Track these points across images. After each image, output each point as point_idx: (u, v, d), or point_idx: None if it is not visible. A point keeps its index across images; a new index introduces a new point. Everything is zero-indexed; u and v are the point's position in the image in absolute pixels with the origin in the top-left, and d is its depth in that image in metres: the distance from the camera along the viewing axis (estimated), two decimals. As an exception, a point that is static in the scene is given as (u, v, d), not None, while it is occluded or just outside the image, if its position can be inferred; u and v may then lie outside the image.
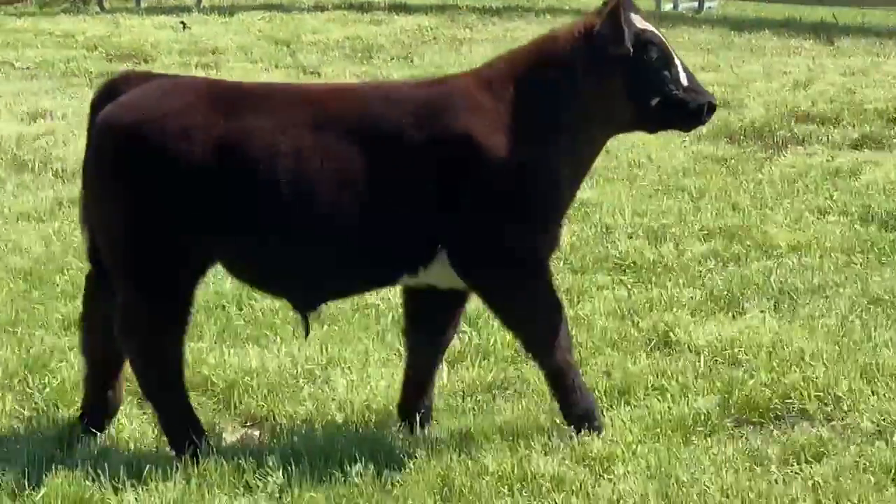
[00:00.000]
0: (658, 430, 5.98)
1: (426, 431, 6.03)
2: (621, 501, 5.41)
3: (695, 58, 14.30)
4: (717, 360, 6.77)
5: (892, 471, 5.57)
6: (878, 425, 5.99)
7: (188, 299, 5.81)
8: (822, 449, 5.79)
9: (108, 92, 5.95)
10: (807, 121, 12.07)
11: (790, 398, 6.26)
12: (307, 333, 6.07)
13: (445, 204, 5.72)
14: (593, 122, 5.88)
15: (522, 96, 5.83)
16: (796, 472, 5.62)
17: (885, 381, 6.40)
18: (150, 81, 5.96)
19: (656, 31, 5.93)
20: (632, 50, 5.77)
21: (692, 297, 7.71)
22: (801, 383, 6.34)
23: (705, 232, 8.87)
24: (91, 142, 5.90)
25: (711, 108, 5.93)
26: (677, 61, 5.90)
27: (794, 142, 11.48)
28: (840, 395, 6.26)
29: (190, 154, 5.65)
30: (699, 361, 6.72)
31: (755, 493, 5.41)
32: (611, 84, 5.84)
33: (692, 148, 11.10)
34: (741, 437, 6.00)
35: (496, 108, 5.79)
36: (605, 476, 5.60)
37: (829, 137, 11.56)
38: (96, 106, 5.93)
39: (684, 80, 5.88)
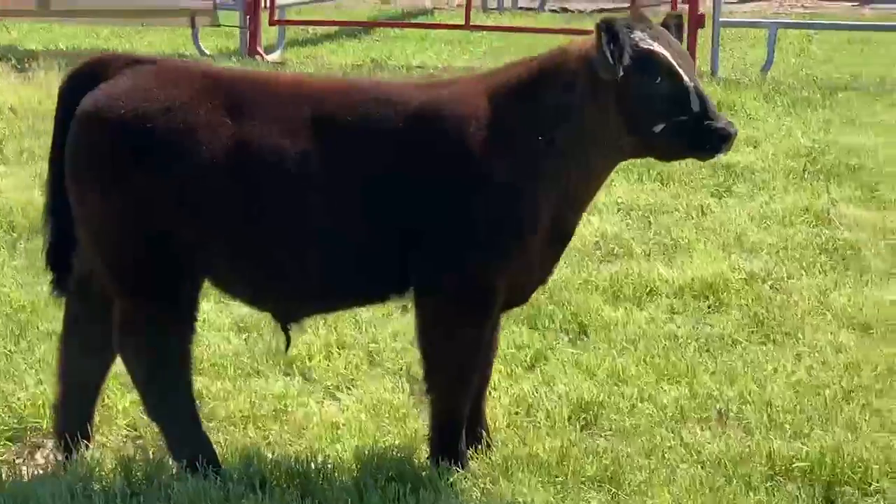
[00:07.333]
0: None
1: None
2: None
3: None
4: None
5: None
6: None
7: (189, 305, 5.29)
8: None
9: (84, 77, 5.30)
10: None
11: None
12: (287, 347, 5.66)
13: (423, 216, 5.24)
14: (589, 148, 5.29)
15: (518, 111, 5.29)
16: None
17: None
18: (135, 66, 5.31)
19: (664, 49, 5.20)
20: (620, 74, 5.12)
21: None
22: None
23: None
24: (73, 133, 5.22)
25: (724, 138, 5.17)
26: (688, 83, 5.18)
27: None
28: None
29: (193, 152, 5.13)
30: None
31: None
32: (606, 109, 5.22)
33: None
34: None
35: (488, 121, 5.26)
36: None
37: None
38: (70, 91, 5.29)
39: (695, 106, 5.20)
